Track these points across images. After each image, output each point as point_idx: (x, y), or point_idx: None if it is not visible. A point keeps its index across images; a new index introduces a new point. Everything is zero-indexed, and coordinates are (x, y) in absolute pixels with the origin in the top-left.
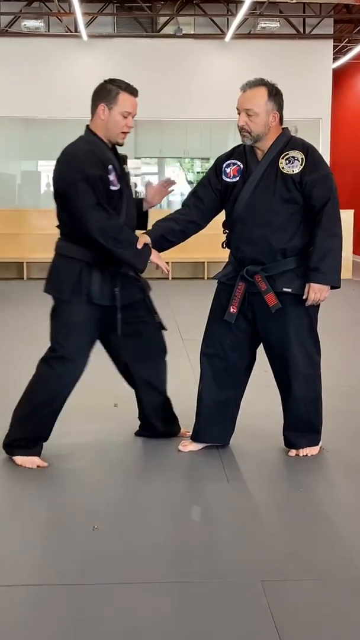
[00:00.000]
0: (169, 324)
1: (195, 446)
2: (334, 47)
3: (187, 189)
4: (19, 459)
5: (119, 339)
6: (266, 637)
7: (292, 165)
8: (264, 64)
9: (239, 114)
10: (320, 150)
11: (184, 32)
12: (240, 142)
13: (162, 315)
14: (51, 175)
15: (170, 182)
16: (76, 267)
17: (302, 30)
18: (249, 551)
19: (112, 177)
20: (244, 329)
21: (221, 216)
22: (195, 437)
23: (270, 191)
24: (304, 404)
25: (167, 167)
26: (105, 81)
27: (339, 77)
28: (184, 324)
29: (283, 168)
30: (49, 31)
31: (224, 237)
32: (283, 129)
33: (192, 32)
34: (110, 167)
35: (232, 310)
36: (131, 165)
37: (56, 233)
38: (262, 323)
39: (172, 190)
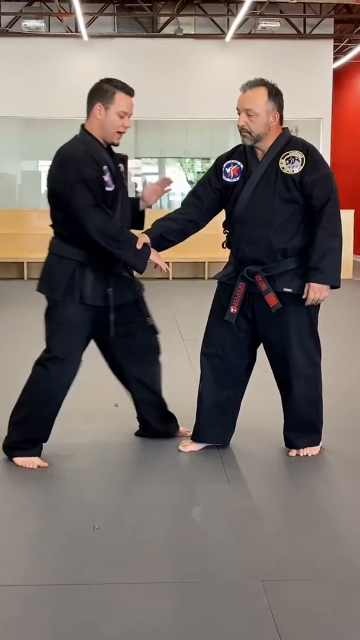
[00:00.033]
0: (170, 323)
1: (196, 446)
2: (335, 47)
3: (188, 189)
4: (19, 460)
5: (112, 339)
6: (267, 637)
7: (293, 165)
8: (264, 64)
9: (239, 114)
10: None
11: (184, 32)
12: (241, 142)
13: (163, 315)
14: None
15: (167, 181)
16: (69, 267)
17: (302, 30)
18: (249, 551)
19: (107, 177)
20: (244, 329)
21: (221, 216)
22: (195, 437)
23: (271, 191)
24: (304, 404)
25: (167, 167)
26: (102, 80)
27: (340, 77)
28: (185, 324)
29: (283, 168)
30: (49, 31)
31: (224, 237)
32: (283, 129)
33: (193, 32)
34: (105, 167)
35: (232, 310)
36: (131, 165)
37: None
38: (263, 323)
39: (170, 189)
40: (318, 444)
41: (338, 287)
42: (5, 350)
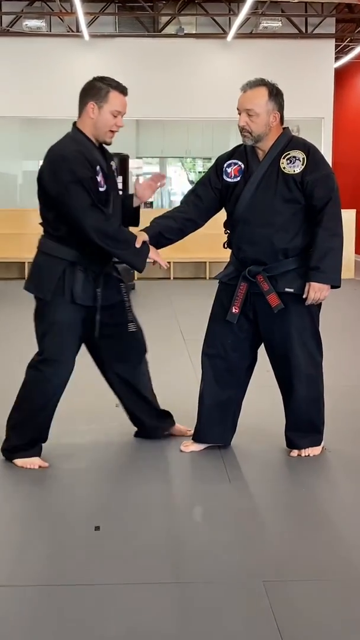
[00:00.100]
0: (171, 323)
1: (197, 446)
2: (336, 46)
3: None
4: (19, 461)
5: (100, 339)
6: (268, 637)
7: (294, 165)
8: (265, 64)
9: (239, 114)
10: (322, 150)
11: (185, 31)
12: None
13: (164, 315)
14: None
15: (160, 177)
16: (59, 267)
17: (304, 30)
18: (250, 551)
19: (99, 178)
20: (245, 329)
21: (222, 216)
22: (196, 438)
23: (272, 191)
24: (305, 404)
25: (168, 167)
26: (95, 79)
27: (341, 76)
28: (186, 323)
29: (284, 168)
30: (50, 31)
31: (225, 237)
32: (284, 128)
33: (194, 32)
34: (97, 168)
35: (234, 310)
36: (133, 165)
37: None
38: (264, 323)
39: (163, 184)
40: (319, 444)
41: (339, 286)
42: (6, 350)
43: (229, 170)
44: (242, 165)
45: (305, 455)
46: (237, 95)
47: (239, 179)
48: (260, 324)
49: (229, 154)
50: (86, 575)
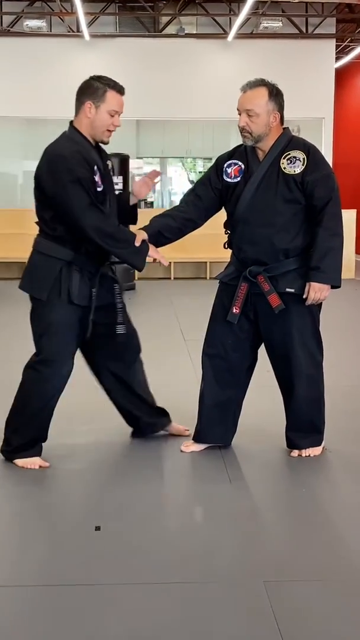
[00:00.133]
0: (171, 323)
1: (198, 447)
2: (337, 46)
3: None
4: (20, 462)
5: (96, 338)
6: (268, 638)
7: (294, 165)
8: (266, 64)
9: (239, 114)
10: (323, 150)
11: (186, 31)
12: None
13: (165, 315)
14: None
15: (155, 174)
16: (56, 267)
17: (304, 30)
18: (251, 552)
19: (96, 177)
20: (246, 330)
21: (223, 216)
22: (197, 438)
23: (272, 191)
24: (306, 404)
25: (169, 167)
26: (92, 78)
27: (342, 76)
28: (186, 324)
29: (285, 168)
30: (51, 31)
31: (225, 237)
32: (284, 129)
33: (195, 32)
34: (95, 168)
35: (234, 310)
36: (133, 165)
37: None
38: (265, 323)
39: (159, 180)
40: (320, 445)
41: (339, 286)
42: (7, 350)
43: (229, 170)
44: (243, 166)
45: (305, 456)
46: (237, 95)
47: (239, 179)
48: (261, 324)
49: (229, 154)
50: (86, 575)
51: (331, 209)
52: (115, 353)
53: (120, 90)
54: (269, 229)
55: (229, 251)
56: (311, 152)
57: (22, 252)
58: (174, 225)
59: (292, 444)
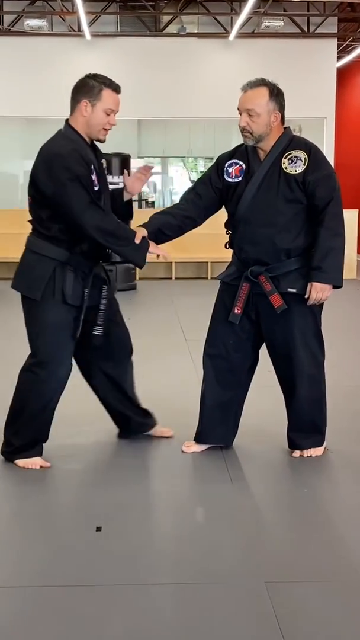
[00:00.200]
0: (173, 323)
1: (199, 447)
2: (338, 45)
3: None
4: (21, 462)
5: (88, 338)
6: (270, 638)
7: (295, 165)
8: (267, 63)
9: (240, 114)
10: (325, 150)
11: (187, 31)
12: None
13: (166, 315)
14: None
15: (147, 168)
16: (50, 266)
17: (306, 29)
18: (252, 552)
19: (93, 177)
20: (247, 330)
21: (224, 216)
22: (198, 439)
23: (274, 191)
24: (308, 404)
25: (170, 167)
26: (87, 76)
27: (343, 76)
28: (188, 324)
29: (286, 168)
30: (52, 30)
31: (227, 237)
32: (285, 128)
33: (196, 31)
34: (91, 167)
35: (236, 311)
36: (134, 165)
37: None
38: (267, 324)
39: (151, 175)
40: (322, 445)
41: (340, 286)
42: (7, 350)
43: (230, 170)
44: (244, 165)
45: (307, 456)
46: (239, 95)
47: (240, 179)
48: (263, 324)
49: (229, 154)
50: (87, 576)
51: (332, 208)
52: (109, 353)
53: (116, 88)
54: (270, 229)
55: (230, 251)
56: (312, 152)
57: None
58: (174, 222)
59: (293, 444)
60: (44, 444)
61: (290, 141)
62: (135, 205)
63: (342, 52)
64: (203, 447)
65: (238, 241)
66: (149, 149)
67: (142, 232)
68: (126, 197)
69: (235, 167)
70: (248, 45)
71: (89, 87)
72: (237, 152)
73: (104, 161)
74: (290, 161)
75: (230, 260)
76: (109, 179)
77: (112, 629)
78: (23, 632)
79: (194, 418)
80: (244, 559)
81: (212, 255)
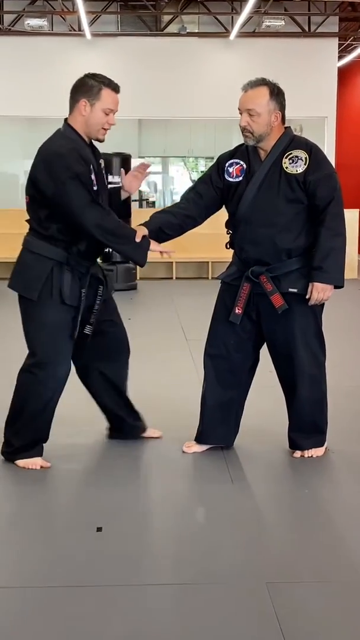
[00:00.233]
0: (173, 323)
1: (200, 447)
2: (339, 45)
3: None
4: (21, 462)
5: (86, 338)
6: (271, 639)
7: (296, 164)
8: (268, 63)
9: (240, 114)
10: (325, 149)
11: (188, 30)
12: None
13: (166, 315)
14: None
15: (145, 166)
16: (47, 266)
17: (307, 29)
18: (253, 553)
19: (92, 176)
20: (248, 330)
21: (224, 216)
22: (199, 439)
23: (275, 191)
24: (309, 404)
25: (171, 166)
26: (87, 76)
27: (344, 75)
28: (188, 324)
29: (287, 168)
30: (52, 30)
31: (227, 237)
32: (285, 128)
33: (197, 31)
34: (90, 166)
35: (237, 311)
36: (135, 164)
37: None
38: (268, 324)
39: (149, 173)
40: (323, 445)
41: (342, 286)
42: (7, 351)
43: (230, 169)
44: (244, 165)
45: (308, 456)
46: (239, 95)
47: (241, 178)
48: (263, 324)
49: (230, 153)
50: (87, 576)
51: (333, 208)
52: (106, 353)
53: (115, 88)
54: (271, 229)
55: (231, 251)
56: (313, 152)
57: None
58: (175, 222)
59: (294, 444)
60: (44, 444)
61: (291, 141)
62: (135, 205)
63: (343, 51)
64: (204, 447)
65: (239, 241)
66: (150, 148)
67: (142, 231)
68: (124, 195)
69: (236, 167)
70: (249, 45)
71: (88, 86)
72: (238, 152)
73: (102, 161)
74: (291, 161)
75: (231, 260)
76: (110, 178)
77: (112, 629)
78: (23, 633)
79: (194, 418)
80: (244, 560)
81: (213, 255)
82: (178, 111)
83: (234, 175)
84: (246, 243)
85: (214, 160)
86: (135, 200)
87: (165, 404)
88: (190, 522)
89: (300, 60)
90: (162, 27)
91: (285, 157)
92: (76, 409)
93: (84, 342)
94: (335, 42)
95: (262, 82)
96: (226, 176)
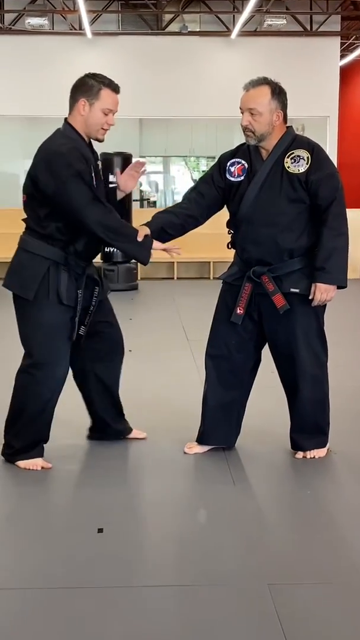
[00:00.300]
0: (175, 324)
1: (201, 448)
2: (341, 44)
3: None
4: (22, 463)
5: (83, 338)
6: None
7: (298, 164)
8: (270, 62)
9: (242, 113)
10: (327, 149)
11: (189, 29)
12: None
13: (168, 315)
14: None
15: (139, 164)
16: (43, 266)
17: (309, 28)
18: (255, 554)
19: (92, 175)
20: (249, 330)
21: (226, 215)
22: (200, 440)
23: (277, 191)
24: (311, 405)
25: (172, 166)
26: (87, 75)
27: (346, 74)
28: (190, 324)
29: (289, 167)
30: (53, 29)
31: (229, 237)
32: (287, 127)
33: (198, 30)
34: (91, 166)
35: (238, 311)
36: None
37: None
38: (269, 324)
39: (144, 170)
40: (325, 446)
41: (345, 287)
42: (4, 351)
43: (232, 169)
44: (246, 165)
45: (310, 457)
46: (241, 94)
47: (242, 178)
48: (265, 324)
49: (232, 153)
50: (88, 577)
51: (335, 208)
52: (102, 355)
53: (115, 88)
54: (272, 229)
55: (233, 251)
56: (315, 151)
57: None
58: (177, 221)
59: (296, 445)
60: (45, 445)
61: (292, 140)
62: (136, 204)
63: (345, 50)
64: (205, 448)
65: (240, 241)
66: (151, 148)
67: (144, 231)
68: (119, 195)
69: (238, 166)
70: (250, 44)
71: (88, 86)
72: (239, 151)
73: (99, 162)
74: (292, 160)
75: (232, 260)
76: (110, 178)
77: (112, 631)
78: (23, 634)
79: (195, 419)
80: (246, 561)
81: (214, 255)
82: (179, 110)
83: (236, 174)
84: (248, 243)
85: (215, 159)
86: (136, 200)
87: (166, 404)
88: (191, 523)
89: (302, 59)
90: (163, 26)
91: (287, 157)
92: (77, 411)
93: (79, 344)
94: (337, 41)
95: (264, 81)
96: (228, 176)
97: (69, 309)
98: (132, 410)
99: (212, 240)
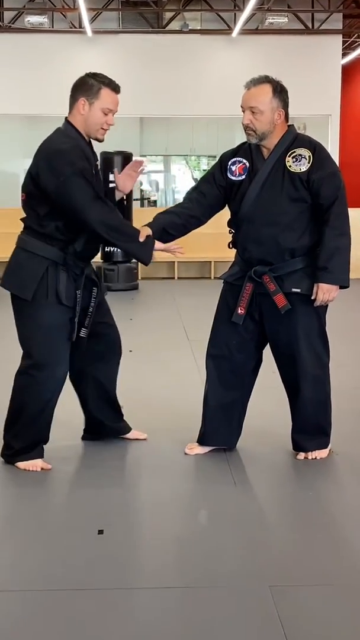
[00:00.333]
0: (175, 324)
1: (202, 449)
2: (343, 42)
3: None
4: (21, 464)
5: (81, 339)
6: None
7: (300, 163)
8: (271, 60)
9: (243, 112)
10: (329, 147)
11: (190, 27)
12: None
13: (169, 315)
14: None
15: (138, 164)
16: (42, 266)
17: (310, 26)
18: (256, 555)
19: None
20: (250, 330)
21: (227, 215)
22: (201, 441)
23: (278, 190)
24: (312, 405)
25: (172, 165)
26: (87, 75)
27: (348, 73)
28: (191, 324)
29: (290, 166)
30: (53, 27)
31: (230, 237)
32: (289, 126)
33: (199, 28)
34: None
35: (239, 311)
36: None
37: None
38: (270, 324)
39: (142, 170)
40: (326, 447)
41: (347, 286)
42: (4, 352)
43: (233, 168)
44: (247, 164)
45: (312, 458)
46: (242, 92)
47: (243, 177)
48: (266, 324)
49: (233, 152)
50: (89, 579)
51: (337, 208)
52: (100, 355)
53: (115, 88)
54: (274, 228)
55: (234, 251)
56: (317, 150)
57: None
58: (179, 222)
59: (298, 446)
60: (44, 446)
61: (294, 139)
62: (137, 204)
63: (347, 48)
64: (206, 449)
65: (241, 240)
66: (152, 147)
67: (146, 231)
68: (118, 195)
69: (239, 165)
70: (251, 42)
71: (88, 85)
72: (241, 150)
73: (97, 163)
74: (294, 159)
75: (233, 259)
76: (111, 177)
77: (113, 633)
78: (23, 636)
79: (196, 420)
80: (247, 562)
81: (215, 254)
82: (180, 109)
83: (237, 173)
84: (249, 242)
85: (216, 158)
86: (137, 199)
87: (167, 404)
88: (192, 524)
89: (304, 57)
90: (163, 24)
91: (289, 156)
92: (77, 412)
93: (80, 346)
94: (339, 39)
95: (265, 79)
96: (229, 174)
97: (68, 310)
98: (133, 410)
99: (213, 240)
